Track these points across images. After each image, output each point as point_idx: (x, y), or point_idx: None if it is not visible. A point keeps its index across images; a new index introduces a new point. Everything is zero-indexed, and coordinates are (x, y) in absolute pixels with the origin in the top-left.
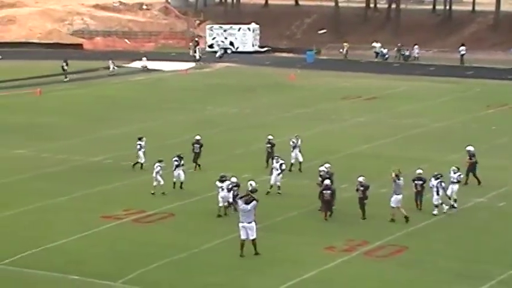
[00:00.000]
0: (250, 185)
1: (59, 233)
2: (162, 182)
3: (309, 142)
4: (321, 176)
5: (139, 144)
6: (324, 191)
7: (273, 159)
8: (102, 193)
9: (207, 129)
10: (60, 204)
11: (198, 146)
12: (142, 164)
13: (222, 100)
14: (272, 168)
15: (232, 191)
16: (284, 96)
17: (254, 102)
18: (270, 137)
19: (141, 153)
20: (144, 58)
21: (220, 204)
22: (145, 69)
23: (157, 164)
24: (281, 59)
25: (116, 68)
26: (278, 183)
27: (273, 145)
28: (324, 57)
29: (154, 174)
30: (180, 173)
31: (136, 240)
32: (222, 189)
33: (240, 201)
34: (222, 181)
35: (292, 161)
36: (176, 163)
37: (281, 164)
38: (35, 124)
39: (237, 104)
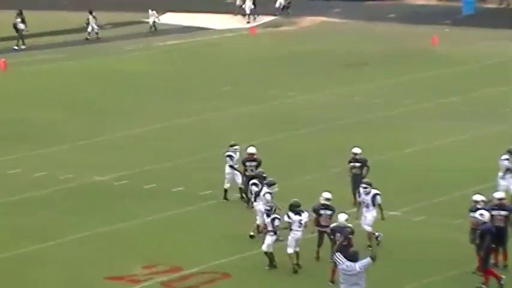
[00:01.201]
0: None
1: None
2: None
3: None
4: None
5: (230, 156)
6: None
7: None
8: (108, 236)
9: (286, 130)
10: (40, 253)
11: (252, 164)
12: (242, 193)
13: (312, 80)
14: (360, 203)
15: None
16: (420, 75)
17: (366, 84)
18: (356, 150)
19: (238, 175)
20: (153, 11)
21: (290, 251)
22: (152, 30)
23: (254, 187)
24: (415, 10)
25: (154, 21)
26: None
27: (363, 163)
28: (492, 6)
29: (259, 206)
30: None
31: None
32: (299, 226)
33: (339, 257)
34: (296, 213)
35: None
36: (256, 188)
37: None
38: None
39: (336, 87)
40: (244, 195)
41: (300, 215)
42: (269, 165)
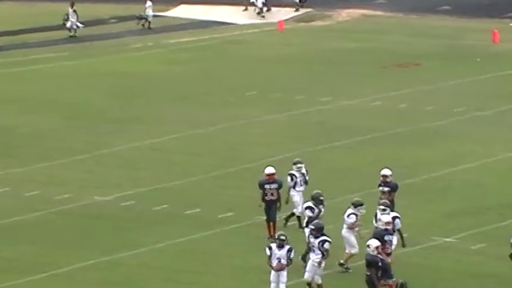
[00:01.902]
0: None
1: None
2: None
3: None
4: None
5: (293, 176)
6: None
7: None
8: (111, 268)
9: (321, 142)
10: (32, 285)
11: (273, 187)
12: (299, 218)
13: (350, 84)
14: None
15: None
16: (478, 77)
17: (415, 88)
18: (386, 171)
19: (296, 195)
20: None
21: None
22: (141, 22)
23: (308, 212)
24: (473, 1)
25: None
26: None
27: (392, 189)
28: None
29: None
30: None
31: None
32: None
33: None
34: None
35: None
36: (310, 214)
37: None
38: None
39: (380, 92)
40: (286, 220)
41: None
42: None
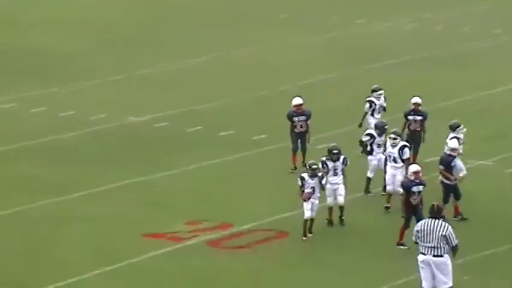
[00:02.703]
0: None
1: (62, 268)
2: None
3: None
4: None
5: (372, 103)
6: None
7: None
8: (145, 188)
9: (356, 64)
10: (65, 207)
11: (301, 119)
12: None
13: (385, 4)
14: (386, 157)
15: None
16: None
17: (451, 7)
18: (417, 99)
19: (372, 123)
20: None
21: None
22: None
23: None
24: None
25: None
26: None
27: (424, 117)
28: None
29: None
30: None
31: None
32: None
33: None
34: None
35: None
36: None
37: None
38: None
39: (414, 13)
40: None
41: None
42: (334, 106)
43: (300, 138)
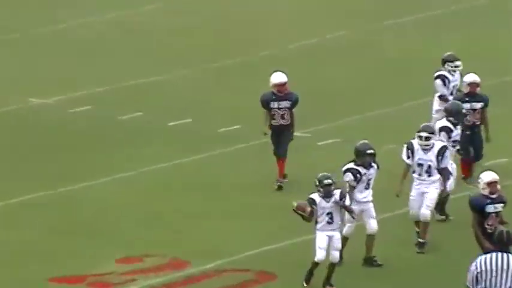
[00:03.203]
0: None
1: None
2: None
3: None
4: None
5: (443, 78)
6: None
7: None
8: (58, 203)
9: (379, 21)
10: None
11: (282, 106)
12: None
13: None
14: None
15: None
16: None
17: None
18: (474, 77)
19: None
20: None
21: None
22: None
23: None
24: None
25: None
26: None
27: (485, 103)
28: None
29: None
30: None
31: None
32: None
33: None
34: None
35: None
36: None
37: None
38: None
39: None
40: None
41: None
42: (342, 82)
43: (279, 135)
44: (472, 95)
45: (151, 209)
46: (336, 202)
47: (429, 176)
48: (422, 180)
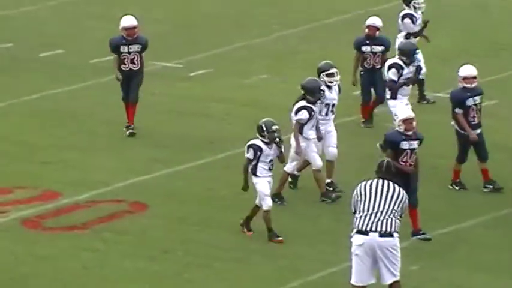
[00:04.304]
0: None
1: None
2: None
3: None
4: None
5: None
6: None
7: None
8: None
9: None
10: None
11: (134, 49)
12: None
13: None
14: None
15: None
16: None
17: None
18: (375, 20)
19: None
20: None
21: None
22: None
23: None
24: None
25: None
26: None
27: (386, 47)
28: None
29: None
30: None
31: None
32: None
33: None
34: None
35: None
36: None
37: None
38: None
39: None
40: None
41: None
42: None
43: (129, 80)
44: (371, 38)
45: (22, 140)
46: (277, 148)
47: (333, 114)
48: (328, 120)
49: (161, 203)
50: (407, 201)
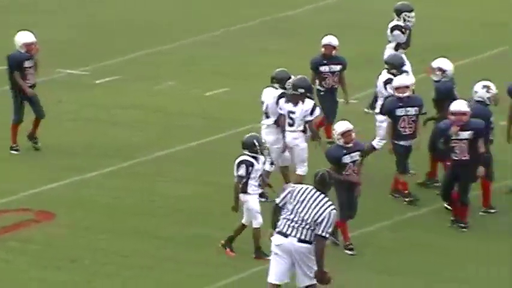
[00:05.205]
0: None
1: None
2: None
3: None
4: None
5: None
6: None
7: None
8: None
9: None
10: None
11: None
12: None
13: None
14: None
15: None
16: None
17: None
18: (331, 39)
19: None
20: None
21: None
22: None
23: None
24: None
25: None
26: None
27: (343, 65)
28: None
29: None
30: None
31: None
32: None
33: None
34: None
35: None
36: None
37: None
38: None
39: None
40: None
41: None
42: None
43: (33, 96)
44: (328, 57)
45: None
46: (265, 158)
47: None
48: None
49: (67, 211)
50: (329, 219)
